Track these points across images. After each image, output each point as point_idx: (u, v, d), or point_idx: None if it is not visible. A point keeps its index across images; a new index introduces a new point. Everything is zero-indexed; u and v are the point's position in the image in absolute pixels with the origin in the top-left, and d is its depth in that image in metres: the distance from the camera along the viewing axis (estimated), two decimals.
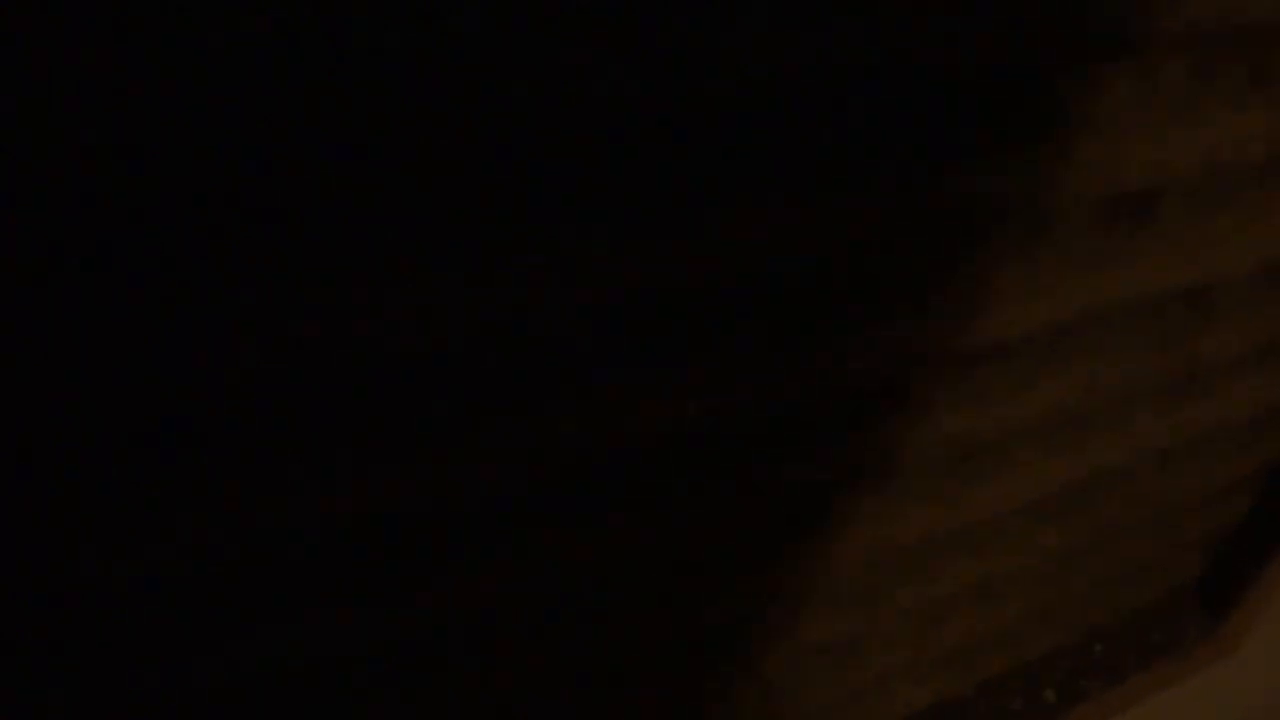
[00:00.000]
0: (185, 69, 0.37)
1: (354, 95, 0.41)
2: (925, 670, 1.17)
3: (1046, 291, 0.76)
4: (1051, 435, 0.94)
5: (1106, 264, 0.78)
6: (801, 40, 0.50)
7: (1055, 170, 0.66)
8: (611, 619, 0.76)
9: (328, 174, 0.43)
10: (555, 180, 0.49)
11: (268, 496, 0.52)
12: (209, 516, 0.51)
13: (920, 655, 1.12)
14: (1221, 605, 1.41)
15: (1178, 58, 0.67)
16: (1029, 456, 0.94)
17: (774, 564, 0.83)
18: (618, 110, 0.48)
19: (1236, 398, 1.07)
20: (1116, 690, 1.31)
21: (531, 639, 0.73)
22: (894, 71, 0.55)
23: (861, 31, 0.51)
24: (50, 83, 0.35)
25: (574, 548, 0.68)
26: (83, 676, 0.54)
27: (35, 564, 0.47)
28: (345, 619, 0.61)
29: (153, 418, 0.46)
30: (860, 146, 0.57)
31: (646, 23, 0.45)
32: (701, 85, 0.48)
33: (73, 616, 0.51)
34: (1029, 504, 1.01)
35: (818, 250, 0.60)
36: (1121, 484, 1.10)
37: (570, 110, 0.46)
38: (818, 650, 0.99)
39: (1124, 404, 0.97)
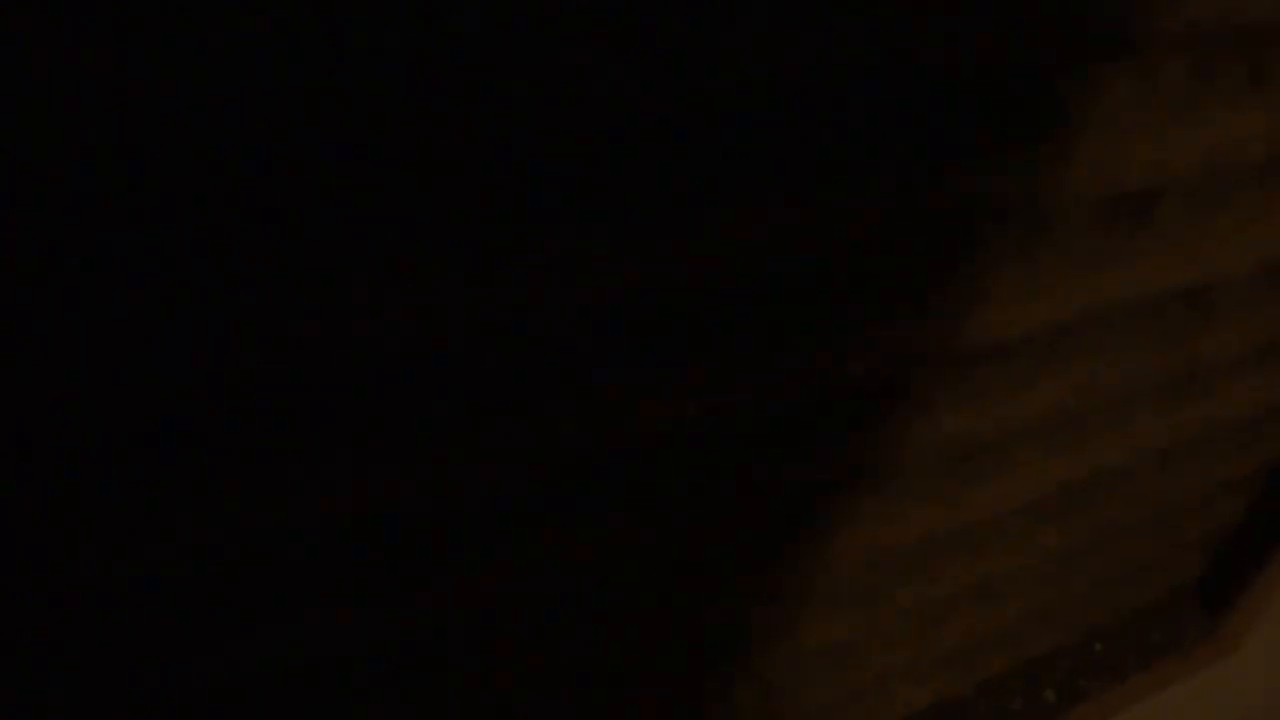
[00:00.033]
0: (185, 69, 0.37)
1: (354, 95, 0.41)
2: (925, 670, 1.17)
3: (1046, 291, 0.76)
4: (1051, 435, 0.94)
5: (1106, 264, 0.78)
6: (801, 40, 0.50)
7: (1055, 170, 0.66)
8: (611, 619, 0.76)
9: (328, 174, 0.43)
10: (555, 180, 0.49)
11: (268, 496, 0.52)
12: (209, 516, 0.51)
13: (920, 655, 1.12)
14: (1221, 605, 1.41)
15: (1178, 58, 0.67)
16: (1029, 456, 0.94)
17: (774, 564, 0.83)
18: (618, 110, 0.48)
19: (1236, 398, 1.07)
20: (1116, 690, 1.31)
21: (531, 639, 0.73)
22: (894, 71, 0.55)
23: (861, 31, 0.51)
24: (50, 83, 0.35)
25: (574, 548, 0.68)
26: (83, 676, 0.54)
27: (35, 564, 0.47)
28: (345, 619, 0.61)
29: (153, 418, 0.46)
30: (860, 146, 0.57)
31: (646, 23, 0.45)
32: (701, 85, 0.48)
33: (73, 616, 0.51)
34: (1029, 504, 1.01)
35: (818, 250, 0.60)
36: (1121, 484, 1.10)
37: (570, 110, 0.46)
38: (818, 650, 0.99)
39: (1124, 404, 0.97)
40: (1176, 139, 0.71)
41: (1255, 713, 1.76)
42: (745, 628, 0.88)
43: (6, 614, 0.49)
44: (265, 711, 0.63)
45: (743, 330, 0.62)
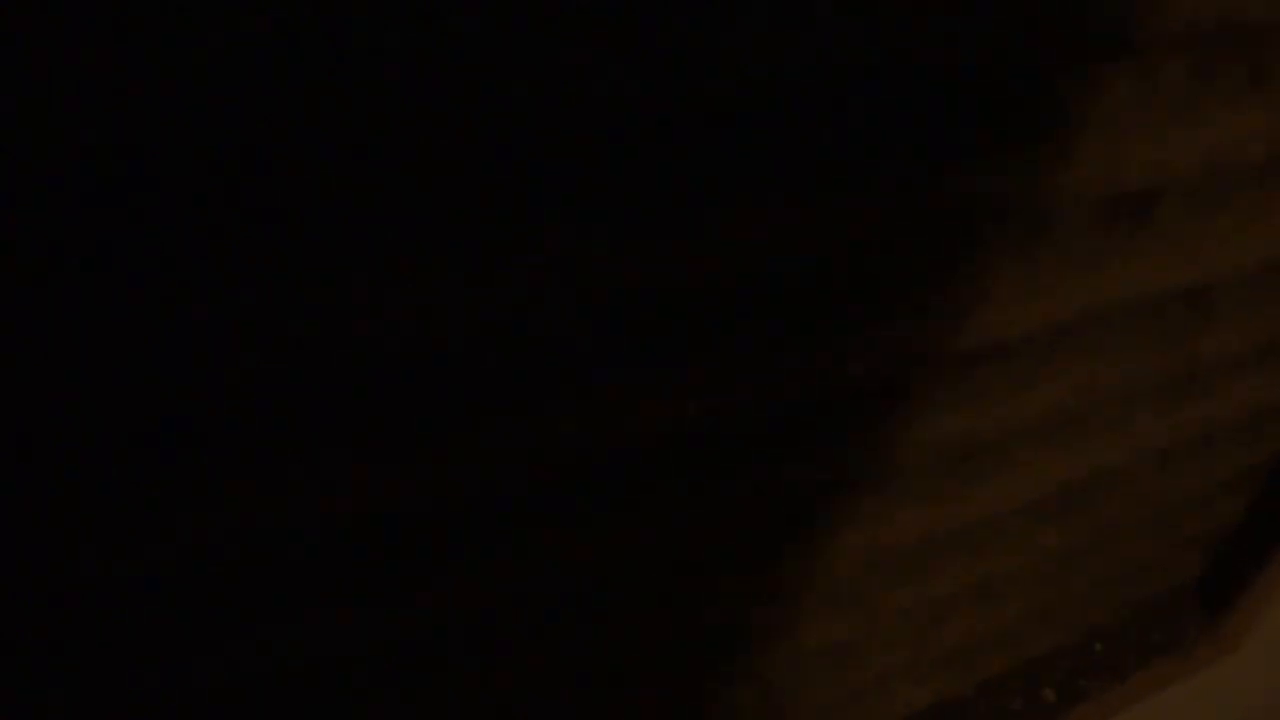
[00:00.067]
0: (185, 69, 0.37)
1: (354, 95, 0.41)
2: (925, 670, 1.17)
3: (1046, 291, 0.76)
4: (1051, 435, 0.94)
5: (1106, 264, 0.78)
6: (801, 40, 0.50)
7: (1055, 170, 0.66)
8: (611, 619, 0.76)
9: (328, 174, 0.43)
10: (555, 180, 0.49)
11: (268, 496, 0.52)
12: (209, 516, 0.51)
13: (920, 655, 1.12)
14: (1221, 605, 1.41)
15: (1178, 58, 0.67)
16: (1029, 456, 0.94)
17: (774, 564, 0.83)
18: (618, 110, 0.48)
19: (1236, 398, 1.07)
20: (1116, 690, 1.31)
21: (531, 639, 0.73)
22: (894, 71, 0.55)
23: (861, 31, 0.51)
24: (50, 83, 0.35)
25: (574, 548, 0.68)
26: (83, 676, 0.54)
27: (35, 564, 0.47)
28: (345, 619, 0.61)
29: (153, 418, 0.46)
30: (860, 146, 0.57)
31: (646, 23, 0.45)
32: (701, 85, 0.48)
33: (73, 616, 0.51)
34: (1029, 504, 1.01)
35: (818, 250, 0.60)
36: (1121, 484, 1.10)
37: (570, 110, 0.46)
38: (818, 650, 0.99)
39: (1124, 404, 0.97)
40: (1176, 139, 0.71)
41: (1255, 713, 1.76)
42: (745, 628, 0.88)
43: (6, 614, 0.49)
44: (265, 711, 0.63)
45: (743, 330, 0.62)
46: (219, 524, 0.51)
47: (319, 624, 0.60)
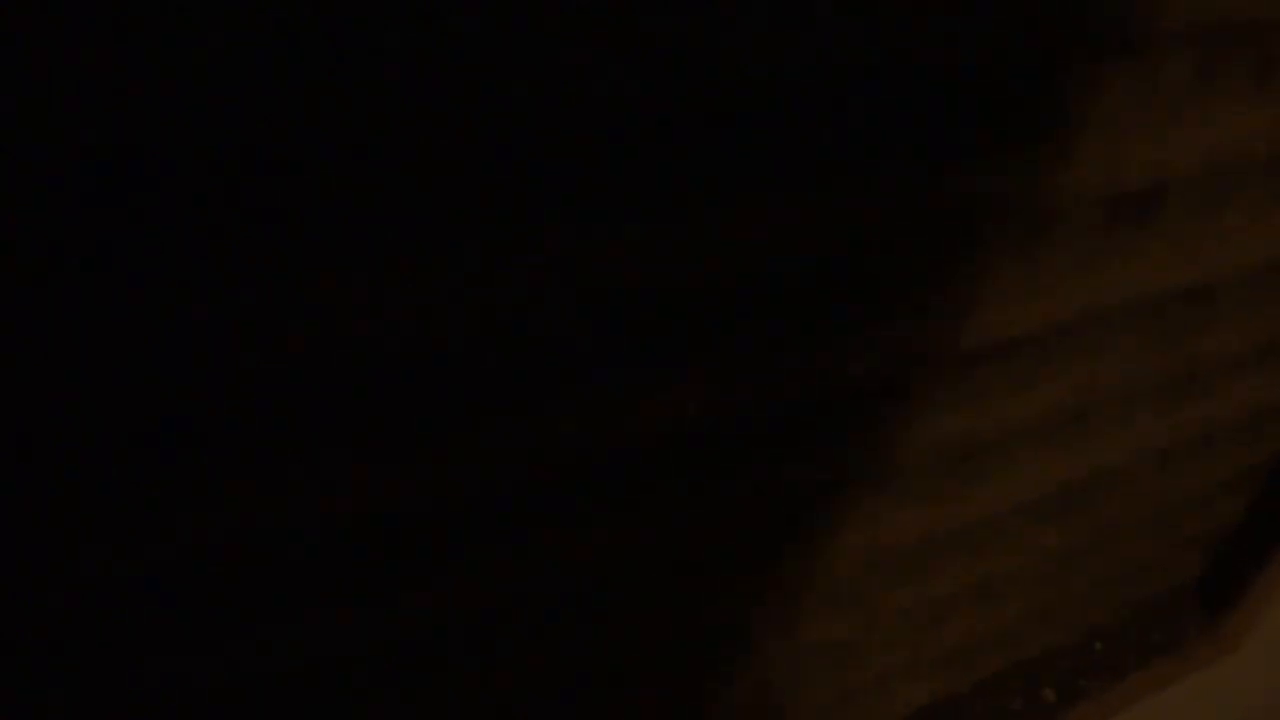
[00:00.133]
0: (185, 69, 0.37)
1: (354, 95, 0.41)
2: (925, 670, 1.17)
3: (1046, 291, 0.76)
4: (1051, 435, 0.94)
5: (1107, 264, 0.78)
6: (801, 40, 0.49)
7: (1055, 170, 0.66)
8: (611, 619, 0.76)
9: (328, 174, 0.43)
10: (555, 180, 0.49)
11: (268, 496, 0.52)
12: (209, 516, 0.51)
13: (920, 655, 1.12)
14: (1221, 605, 1.41)
15: (1179, 56, 0.67)
16: (1029, 456, 0.94)
17: (774, 564, 0.83)
18: (618, 110, 0.48)
19: (1236, 398, 1.07)
20: (1116, 690, 1.31)
21: (531, 639, 0.73)
22: (894, 71, 0.55)
23: (861, 31, 0.51)
24: (50, 83, 0.35)
25: (574, 548, 0.68)
26: (83, 676, 0.54)
27: (36, 564, 0.47)
28: (345, 619, 0.61)
29: (153, 418, 0.46)
30: (860, 146, 0.57)
31: (646, 23, 0.45)
32: (701, 85, 0.48)
33: (73, 616, 0.51)
34: (1029, 504, 1.01)
35: (818, 250, 0.60)
36: (1121, 484, 1.10)
37: (570, 110, 0.46)
38: (817, 650, 0.99)
39: (1124, 404, 0.97)
40: (1177, 138, 0.71)
41: (1255, 713, 1.76)
42: (745, 628, 0.88)
43: (6, 614, 0.49)
44: (265, 711, 0.63)
45: (743, 330, 0.62)
46: (219, 524, 0.51)
47: (319, 624, 0.60)
